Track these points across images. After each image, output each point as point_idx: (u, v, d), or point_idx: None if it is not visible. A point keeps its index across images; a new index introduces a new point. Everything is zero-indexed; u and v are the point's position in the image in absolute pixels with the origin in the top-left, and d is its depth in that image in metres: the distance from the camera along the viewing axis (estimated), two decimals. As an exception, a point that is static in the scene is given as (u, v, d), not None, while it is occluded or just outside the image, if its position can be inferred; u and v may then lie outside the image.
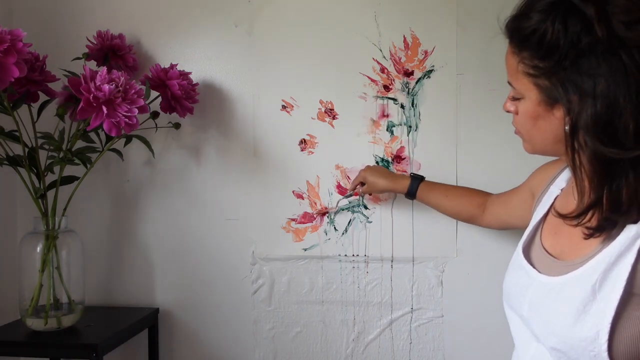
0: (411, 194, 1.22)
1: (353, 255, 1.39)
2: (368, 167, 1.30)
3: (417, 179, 1.23)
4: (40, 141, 1.25)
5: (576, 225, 0.67)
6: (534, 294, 0.72)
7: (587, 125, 0.61)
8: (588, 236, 0.66)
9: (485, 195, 1.17)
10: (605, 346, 0.60)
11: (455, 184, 1.34)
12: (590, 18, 0.60)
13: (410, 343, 1.38)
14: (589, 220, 0.65)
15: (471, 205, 1.16)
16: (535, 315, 0.71)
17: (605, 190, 0.62)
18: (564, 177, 0.81)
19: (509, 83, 0.74)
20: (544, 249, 0.75)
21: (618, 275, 0.61)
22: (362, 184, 1.29)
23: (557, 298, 0.68)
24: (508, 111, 0.76)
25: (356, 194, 1.35)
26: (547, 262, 0.74)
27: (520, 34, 0.67)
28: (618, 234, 0.63)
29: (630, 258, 0.61)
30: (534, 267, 0.75)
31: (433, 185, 1.22)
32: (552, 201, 0.81)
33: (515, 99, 0.73)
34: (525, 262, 0.76)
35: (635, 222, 0.62)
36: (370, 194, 1.35)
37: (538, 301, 0.71)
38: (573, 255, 0.69)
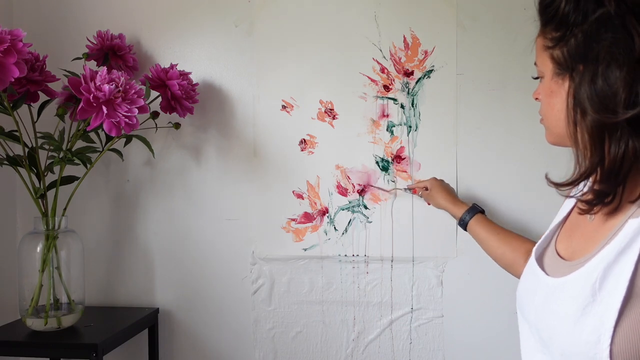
0: (463, 222, 1.20)
1: (353, 255, 1.39)
2: (440, 180, 1.30)
3: (474, 209, 1.20)
4: (40, 141, 1.25)
5: (572, 196, 0.67)
6: (540, 297, 0.70)
7: (586, 93, 0.62)
8: (584, 212, 0.66)
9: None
10: (607, 352, 0.57)
11: (455, 185, 1.34)
12: None
13: (410, 343, 1.38)
14: (586, 194, 0.65)
15: (519, 250, 1.10)
16: (541, 320, 0.69)
17: (603, 160, 0.62)
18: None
19: (535, 64, 0.74)
20: (557, 252, 0.74)
21: (620, 274, 0.58)
22: (426, 188, 1.29)
23: (558, 299, 0.66)
24: (536, 99, 0.76)
25: (415, 192, 1.35)
26: (557, 264, 0.72)
27: (543, 6, 0.69)
28: (619, 229, 0.61)
29: (633, 255, 0.57)
30: (544, 270, 0.74)
31: (487, 221, 1.19)
32: (572, 206, 0.79)
33: (539, 79, 0.74)
34: (536, 265, 0.75)
35: (633, 201, 0.62)
36: (428, 203, 1.33)
37: (543, 304, 0.70)
38: (580, 255, 0.68)
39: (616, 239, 0.61)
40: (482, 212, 1.21)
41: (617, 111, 0.59)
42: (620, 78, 0.59)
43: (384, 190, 1.37)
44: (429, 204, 1.33)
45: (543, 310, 0.70)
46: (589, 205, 0.65)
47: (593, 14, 0.61)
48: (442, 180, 1.31)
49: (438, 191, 1.27)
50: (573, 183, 0.66)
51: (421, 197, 1.33)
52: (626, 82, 0.59)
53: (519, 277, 1.04)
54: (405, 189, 1.36)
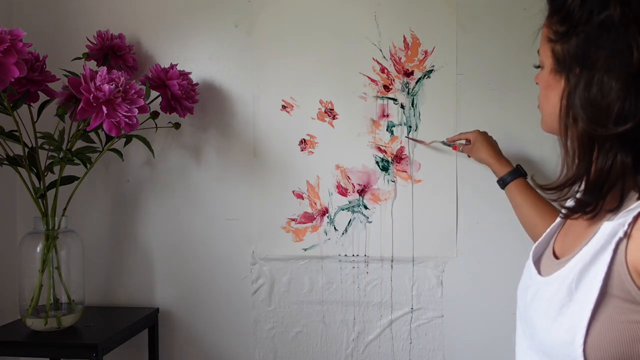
0: (503, 182, 1.17)
1: (353, 255, 1.39)
2: (484, 133, 1.25)
3: (518, 172, 1.17)
4: (40, 141, 1.25)
5: (554, 200, 0.66)
6: (530, 295, 0.72)
7: (580, 100, 0.61)
8: (564, 217, 0.66)
9: None
10: (580, 350, 0.58)
11: (455, 185, 1.34)
12: None
13: (410, 343, 1.38)
14: (568, 200, 0.65)
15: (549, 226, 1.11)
16: (528, 316, 0.71)
17: (590, 169, 0.62)
18: None
19: (538, 52, 0.73)
20: (553, 251, 0.75)
21: (595, 276, 0.59)
22: (469, 141, 1.25)
23: (542, 297, 0.67)
24: (537, 83, 0.76)
25: (455, 148, 1.30)
26: (549, 262, 0.73)
27: None
28: (596, 232, 0.62)
29: (607, 257, 0.59)
30: (539, 269, 0.74)
31: (528, 187, 1.15)
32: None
33: (539, 68, 0.73)
34: (532, 266, 0.76)
35: (612, 210, 0.61)
36: (468, 155, 1.28)
37: (531, 301, 0.71)
38: (567, 254, 0.69)
39: (592, 241, 0.62)
40: (525, 175, 1.17)
41: (607, 125, 0.58)
42: (615, 90, 0.58)
43: (422, 143, 1.34)
44: (469, 157, 1.29)
45: (530, 307, 0.71)
46: (570, 212, 0.65)
47: (598, 15, 0.60)
48: (485, 133, 1.25)
49: (482, 145, 1.22)
50: (557, 188, 0.65)
51: (462, 151, 1.29)
52: (618, 96, 0.58)
53: None
54: (444, 142, 1.32)
